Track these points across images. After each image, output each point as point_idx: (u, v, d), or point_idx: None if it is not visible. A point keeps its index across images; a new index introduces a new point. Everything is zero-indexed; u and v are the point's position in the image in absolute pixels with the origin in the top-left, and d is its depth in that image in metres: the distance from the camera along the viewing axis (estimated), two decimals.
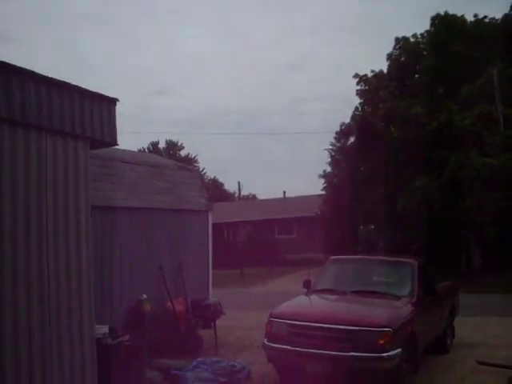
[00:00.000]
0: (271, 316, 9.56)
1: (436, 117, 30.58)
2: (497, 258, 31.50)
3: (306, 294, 10.80)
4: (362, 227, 41.81)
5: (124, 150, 13.16)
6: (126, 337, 9.50)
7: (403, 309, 9.64)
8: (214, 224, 29.54)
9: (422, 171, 29.69)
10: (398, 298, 9.98)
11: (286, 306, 10.00)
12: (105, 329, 9.28)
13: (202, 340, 12.61)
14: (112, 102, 7.24)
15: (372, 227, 40.26)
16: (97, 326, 8.66)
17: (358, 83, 41.01)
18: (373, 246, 41.38)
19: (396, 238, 41.17)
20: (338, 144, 37.10)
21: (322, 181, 37.59)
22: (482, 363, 9.96)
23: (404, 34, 44.38)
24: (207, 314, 12.78)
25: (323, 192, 36.85)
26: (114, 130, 7.23)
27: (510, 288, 25.07)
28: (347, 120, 37.41)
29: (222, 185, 74.86)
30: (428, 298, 10.58)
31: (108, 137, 7.19)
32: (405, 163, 30.64)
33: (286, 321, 9.29)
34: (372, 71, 39.60)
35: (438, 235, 31.01)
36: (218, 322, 13.24)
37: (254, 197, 73.58)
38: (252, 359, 11.21)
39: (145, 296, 11.87)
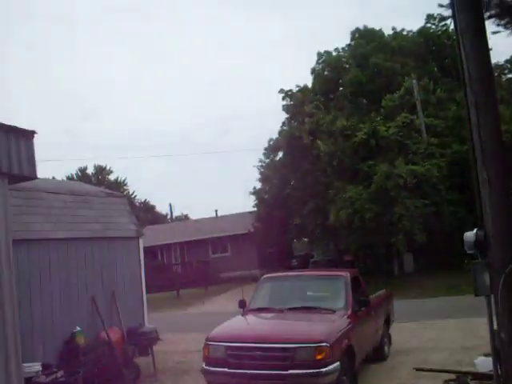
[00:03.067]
0: (208, 339, 9.44)
1: (361, 128, 31.18)
2: (428, 262, 32.31)
3: (242, 314, 10.73)
4: (295, 241, 42.19)
5: (48, 180, 12.90)
6: (61, 372, 9.25)
7: (339, 322, 9.69)
8: (147, 247, 29.12)
9: (352, 182, 30.19)
10: (333, 311, 10.04)
11: (222, 328, 9.90)
12: (37, 366, 9.01)
13: (139, 369, 12.37)
14: (30, 134, 7.05)
15: (305, 240, 40.61)
16: (29, 364, 8.40)
17: (283, 98, 41.47)
18: (307, 259, 41.82)
19: (330, 250, 41.74)
20: (267, 160, 37.29)
21: (253, 198, 37.68)
22: (419, 369, 10.13)
23: (326, 48, 45.06)
24: (143, 342, 12.57)
25: (255, 209, 36.92)
26: (33, 163, 7.03)
27: (441, 290, 25.74)
28: (275, 135, 37.73)
29: (153, 207, 74.09)
30: (363, 310, 10.68)
31: (27, 171, 7.00)
32: (334, 175, 31.07)
33: (223, 343, 9.20)
34: (297, 86, 40.06)
35: (370, 244, 31.56)
36: (156, 348, 13.04)
37: (186, 217, 73.13)
38: None
39: (78, 328, 11.60)
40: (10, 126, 6.81)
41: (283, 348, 8.73)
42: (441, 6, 6.61)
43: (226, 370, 8.93)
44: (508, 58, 44.48)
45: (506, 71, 45.00)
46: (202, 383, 10.00)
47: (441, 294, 24.64)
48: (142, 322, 13.95)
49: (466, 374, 9.12)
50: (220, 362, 9.07)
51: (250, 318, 10.48)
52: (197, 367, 11.01)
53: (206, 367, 9.33)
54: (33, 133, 7.11)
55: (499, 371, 6.00)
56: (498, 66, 42.56)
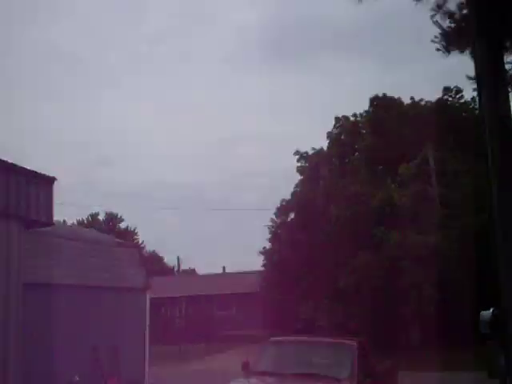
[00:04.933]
0: None
1: (375, 194, 31.22)
2: (435, 335, 31.75)
3: (245, 377, 10.51)
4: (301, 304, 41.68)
5: (61, 224, 12.90)
6: None
7: None
8: (152, 299, 28.84)
9: (363, 248, 30.04)
10: (339, 380, 9.82)
11: None
12: None
13: None
14: (49, 181, 7.08)
15: (312, 304, 40.11)
16: None
17: (298, 160, 41.73)
18: (313, 323, 41.21)
19: (336, 315, 41.16)
20: (278, 220, 37.24)
21: (262, 257, 37.47)
22: None
23: (344, 113, 45.51)
24: None
25: (263, 268, 36.69)
26: (51, 210, 7.03)
27: (448, 364, 25.19)
28: (287, 196, 37.77)
29: (161, 258, 73.73)
30: (368, 380, 10.44)
31: (44, 217, 7.00)
32: (345, 240, 30.94)
33: None
34: (313, 148, 40.36)
35: (377, 312, 31.15)
36: None
37: (193, 271, 72.69)
38: None
39: (77, 378, 11.42)
40: (30, 171, 6.85)
41: None
42: (469, 78, 6.63)
43: None
44: None
45: None
46: None
47: (447, 369, 24.06)
48: (143, 375, 13.73)
49: None
50: None
51: (252, 381, 10.27)
52: None
53: None
54: (53, 179, 7.13)
55: None
56: None
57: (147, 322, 14.23)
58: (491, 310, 5.88)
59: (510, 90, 7.06)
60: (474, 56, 6.61)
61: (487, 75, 6.32)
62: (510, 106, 6.27)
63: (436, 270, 29.13)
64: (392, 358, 20.76)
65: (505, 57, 6.98)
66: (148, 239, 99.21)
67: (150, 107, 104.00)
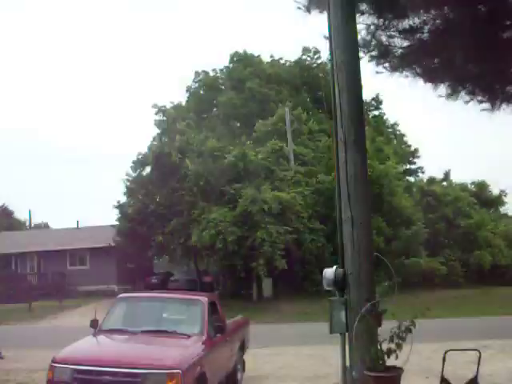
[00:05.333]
0: (54, 361, 8.82)
1: (231, 151, 31.37)
2: (287, 287, 32.88)
3: (94, 335, 10.21)
4: (156, 258, 41.60)
5: None
6: None
7: (193, 348, 9.44)
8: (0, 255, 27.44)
9: (217, 203, 30.21)
10: (188, 336, 9.78)
11: (70, 350, 9.31)
12: None
13: None
14: None
15: (167, 258, 40.16)
16: None
17: (156, 113, 41.10)
18: (168, 277, 41.35)
19: (190, 270, 41.50)
20: (134, 174, 36.54)
21: (117, 211, 36.71)
22: None
23: (204, 68, 45.32)
24: None
25: (118, 222, 36.03)
26: None
27: (298, 316, 26.21)
28: (145, 150, 37.11)
29: (11, 213, 70.53)
30: (218, 336, 10.51)
31: None
32: (200, 195, 30.96)
33: (70, 366, 8.61)
34: (171, 102, 39.84)
35: (231, 266, 31.68)
36: None
37: (46, 226, 70.18)
38: None
39: None
40: None
41: (133, 373, 8.34)
42: (326, 38, 6.62)
43: None
44: (374, 96, 46.84)
45: (373, 108, 47.30)
46: None
47: (297, 320, 25.03)
48: None
49: None
50: None
51: (101, 339, 9.98)
52: None
53: None
54: None
55: None
56: (365, 103, 44.59)
57: None
58: (334, 268, 6.00)
59: (362, 52, 7.16)
60: (328, 16, 6.60)
61: (339, 36, 6.34)
62: (359, 68, 6.33)
63: (288, 226, 30.00)
64: (246, 311, 21.24)
65: (357, 18, 7.04)
66: None
67: None
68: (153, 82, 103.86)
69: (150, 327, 10.08)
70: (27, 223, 68.65)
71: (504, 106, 8.15)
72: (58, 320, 28.34)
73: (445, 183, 45.74)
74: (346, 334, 5.96)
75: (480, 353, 7.30)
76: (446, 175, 47.21)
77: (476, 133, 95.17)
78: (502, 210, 49.33)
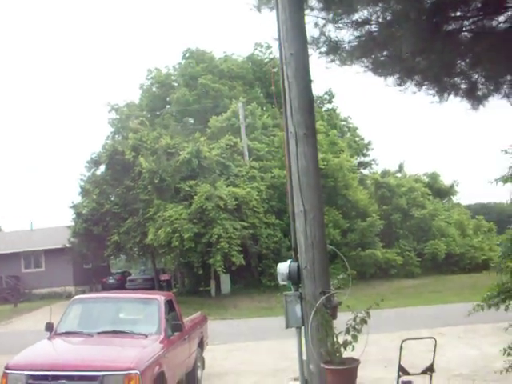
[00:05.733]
0: (7, 367, 8.61)
1: (185, 147, 31.23)
2: (244, 283, 32.97)
3: (49, 338, 10.04)
4: (112, 258, 41.22)
5: None
6: None
7: (150, 348, 9.35)
8: None
9: (173, 201, 30.05)
10: (146, 336, 9.69)
11: (23, 355, 9.12)
12: None
13: None
14: None
15: (124, 258, 39.89)
16: None
17: (109, 111, 40.75)
18: (125, 277, 41.10)
19: (147, 268, 41.26)
20: (89, 173, 36.12)
21: (72, 211, 36.22)
22: None
23: (156, 66, 45.15)
24: None
25: (73, 223, 35.55)
26: None
27: (256, 311, 26.29)
28: (99, 149, 36.70)
29: None
30: (176, 334, 10.45)
31: None
32: (155, 193, 30.76)
33: (24, 372, 8.43)
34: (124, 100, 39.57)
35: (188, 264, 31.59)
36: None
37: None
38: None
39: None
40: None
41: (90, 376, 8.22)
42: (274, 39, 6.66)
43: None
44: (327, 90, 47.22)
45: (326, 102, 47.68)
46: None
47: (255, 315, 25.11)
48: None
49: None
50: None
51: (57, 342, 9.81)
52: None
53: None
54: None
55: None
56: (318, 97, 44.91)
57: None
58: (288, 262, 6.00)
59: (311, 50, 7.19)
60: (276, 10, 6.62)
61: (287, 29, 6.35)
62: (307, 61, 6.35)
63: (243, 221, 30.05)
64: (204, 308, 21.22)
65: (306, 14, 7.07)
66: None
67: None
68: (107, 81, 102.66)
69: (106, 328, 9.96)
70: None
71: (452, 97, 8.28)
72: (13, 324, 27.79)
73: (399, 175, 46.32)
74: (303, 327, 5.98)
75: (436, 340, 7.40)
76: (400, 167, 47.84)
77: (426, 124, 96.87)
78: (455, 199, 50.30)
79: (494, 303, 7.54)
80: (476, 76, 8.16)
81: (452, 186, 48.60)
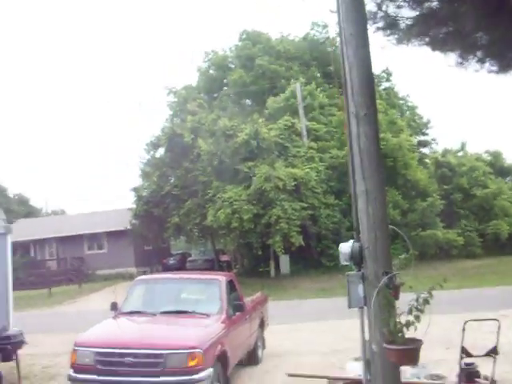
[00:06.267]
0: (76, 344, 8.95)
1: (243, 129, 31.32)
2: (304, 264, 32.99)
3: (114, 318, 10.32)
4: (173, 239, 41.81)
5: None
6: None
7: (213, 327, 9.53)
8: (19, 242, 27.66)
9: (231, 183, 30.24)
10: (208, 316, 9.86)
11: (91, 333, 9.45)
12: None
13: (1, 375, 11.60)
14: None
15: (184, 239, 40.41)
16: None
17: (168, 95, 41.13)
18: (185, 258, 41.64)
19: (207, 249, 41.72)
20: (148, 156, 36.68)
21: (133, 194, 36.89)
22: (291, 375, 10.12)
23: (214, 48, 45.27)
24: (7, 346, 11.80)
25: (134, 205, 36.19)
26: None
27: (316, 292, 26.31)
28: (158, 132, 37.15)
29: (27, 200, 70.90)
30: (237, 314, 10.58)
31: None
32: (214, 175, 31.01)
33: (92, 349, 8.74)
34: (183, 83, 39.89)
35: (248, 245, 31.81)
36: (21, 351, 12.29)
37: (62, 212, 70.52)
38: None
39: None
40: None
41: (154, 354, 8.44)
42: (334, 12, 6.57)
43: (94, 377, 8.52)
44: (384, 68, 46.48)
45: (383, 80, 46.94)
46: None
47: (315, 296, 25.15)
48: (7, 323, 13.14)
49: (336, 379, 9.21)
50: (89, 369, 8.61)
51: (122, 321, 10.09)
52: (65, 372, 10.41)
53: (74, 374, 8.80)
54: None
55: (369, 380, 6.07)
56: (376, 76, 44.17)
57: (9, 268, 13.52)
58: (350, 243, 5.99)
59: (367, 24, 7.07)
60: None
61: (346, 9, 6.29)
62: (368, 41, 6.27)
63: (303, 202, 30.01)
64: (264, 288, 21.35)
65: None
66: (14, 181, 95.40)
67: None
68: (166, 65, 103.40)
69: (169, 308, 10.19)
70: (43, 210, 69.11)
71: None
72: (77, 304, 28.63)
73: (460, 154, 45.37)
74: (365, 308, 5.98)
75: (499, 322, 7.30)
76: (462, 146, 46.77)
77: (488, 102, 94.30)
78: None
79: None
80: None
81: None
